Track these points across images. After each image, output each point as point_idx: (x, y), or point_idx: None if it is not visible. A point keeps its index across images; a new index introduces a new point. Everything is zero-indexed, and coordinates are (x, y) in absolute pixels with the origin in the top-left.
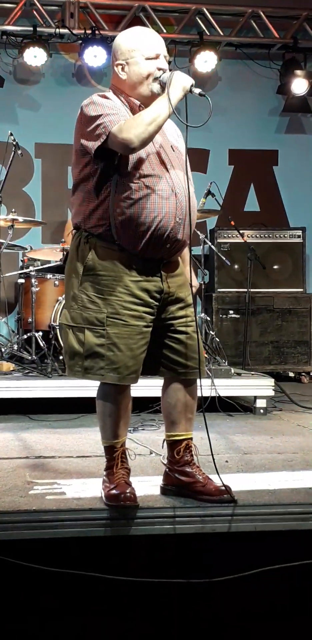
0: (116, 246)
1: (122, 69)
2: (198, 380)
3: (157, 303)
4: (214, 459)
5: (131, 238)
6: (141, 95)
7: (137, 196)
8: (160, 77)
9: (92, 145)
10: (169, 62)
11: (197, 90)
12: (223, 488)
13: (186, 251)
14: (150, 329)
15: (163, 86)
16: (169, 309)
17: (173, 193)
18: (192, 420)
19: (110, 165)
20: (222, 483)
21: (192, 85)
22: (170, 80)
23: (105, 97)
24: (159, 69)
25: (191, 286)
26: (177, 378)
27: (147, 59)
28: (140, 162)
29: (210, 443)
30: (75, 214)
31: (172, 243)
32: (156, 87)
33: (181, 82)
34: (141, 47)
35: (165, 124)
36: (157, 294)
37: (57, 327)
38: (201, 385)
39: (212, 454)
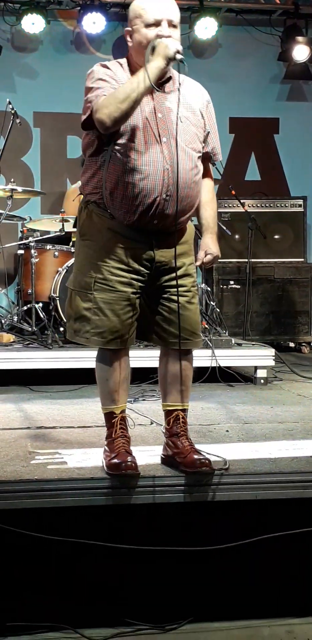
0: (108, 214)
1: (130, 36)
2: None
3: (147, 271)
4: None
5: (119, 209)
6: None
7: (125, 169)
8: (154, 44)
9: (82, 117)
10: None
11: (179, 57)
12: (203, 460)
13: (209, 220)
14: (138, 295)
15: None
16: (163, 277)
17: (163, 168)
18: (185, 392)
19: (102, 136)
20: (207, 455)
21: (176, 52)
22: (151, 49)
23: (106, 67)
24: (159, 37)
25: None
26: (169, 348)
27: (147, 25)
28: (133, 134)
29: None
30: (80, 180)
31: (160, 219)
32: (147, 57)
33: (161, 49)
34: (143, 13)
35: (182, 90)
36: (148, 262)
37: (57, 298)
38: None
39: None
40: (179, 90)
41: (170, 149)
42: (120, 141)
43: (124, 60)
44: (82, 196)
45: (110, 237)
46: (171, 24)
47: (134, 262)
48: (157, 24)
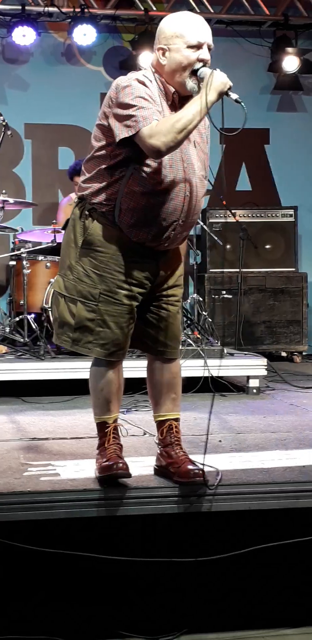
0: (117, 227)
1: (163, 53)
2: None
3: (150, 284)
4: (206, 442)
5: (131, 227)
6: (178, 84)
7: (147, 191)
8: (199, 70)
9: (119, 132)
10: None
11: (234, 96)
12: (197, 471)
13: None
14: (138, 304)
15: (200, 81)
16: (160, 287)
17: (184, 194)
18: (176, 400)
19: (132, 153)
20: (201, 466)
21: (229, 89)
22: (209, 82)
23: (143, 84)
24: (200, 60)
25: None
26: (157, 357)
27: (189, 47)
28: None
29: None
30: (84, 185)
31: (170, 242)
32: (190, 84)
33: (218, 85)
34: (185, 33)
35: None
36: (152, 277)
37: (49, 309)
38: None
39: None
40: (222, 122)
41: (189, 175)
42: (148, 161)
43: (150, 74)
44: (79, 201)
45: (117, 249)
46: (209, 48)
47: (140, 276)
48: (199, 46)
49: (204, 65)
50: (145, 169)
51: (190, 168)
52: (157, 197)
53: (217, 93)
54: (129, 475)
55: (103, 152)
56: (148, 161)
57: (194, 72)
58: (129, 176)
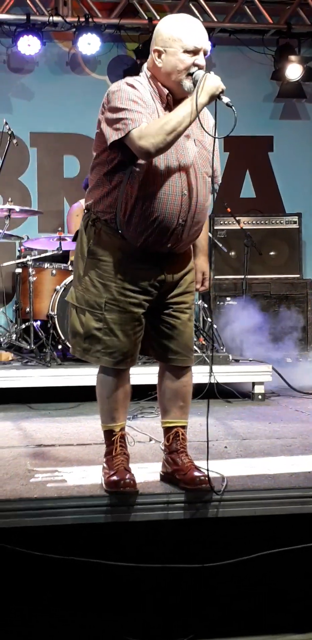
0: (119, 234)
1: (159, 55)
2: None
3: (156, 291)
4: (208, 447)
5: (132, 232)
6: (173, 86)
7: (144, 193)
8: (194, 74)
9: (109, 135)
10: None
11: (225, 100)
12: (203, 477)
13: (203, 242)
14: (145, 311)
15: (195, 83)
16: (168, 294)
17: (181, 194)
18: (184, 408)
19: (126, 156)
20: (206, 471)
21: (221, 92)
22: (201, 84)
23: (133, 87)
24: (195, 65)
25: (203, 277)
26: (168, 365)
27: (186, 51)
28: (155, 158)
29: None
30: (88, 195)
31: (173, 243)
32: (187, 84)
33: (210, 88)
34: (182, 37)
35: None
36: (158, 283)
37: (55, 316)
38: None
39: (207, 441)
40: (215, 127)
41: (188, 174)
42: (142, 163)
43: (143, 78)
44: (86, 212)
45: (121, 257)
46: (205, 53)
47: (145, 283)
48: (195, 51)
49: (198, 70)
50: (140, 171)
51: (187, 167)
52: (154, 199)
53: (209, 96)
54: (136, 492)
55: (100, 159)
56: (141, 163)
57: (190, 75)
58: (126, 181)
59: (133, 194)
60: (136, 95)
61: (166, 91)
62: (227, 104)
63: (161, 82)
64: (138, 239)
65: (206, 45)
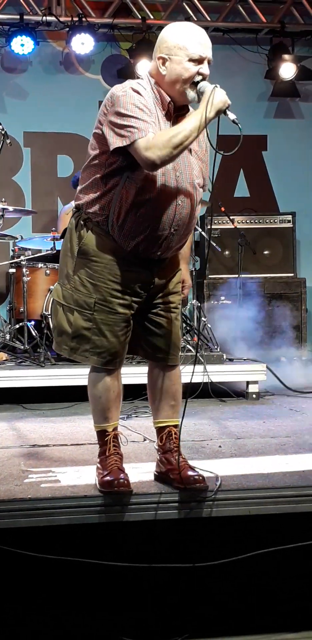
0: (111, 237)
1: (163, 63)
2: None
3: (145, 293)
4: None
5: (124, 237)
6: (175, 94)
7: (140, 199)
8: (198, 84)
9: (113, 141)
10: None
11: (231, 116)
12: (197, 477)
13: (186, 250)
14: (133, 312)
15: (199, 95)
16: (156, 295)
17: (175, 202)
18: (175, 407)
19: (126, 162)
20: (201, 471)
21: (227, 108)
22: (210, 99)
23: (139, 93)
24: (199, 74)
25: (183, 284)
26: (157, 364)
27: (191, 60)
28: None
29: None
30: (80, 195)
31: (163, 251)
32: (191, 94)
33: (218, 104)
34: (188, 46)
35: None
36: (148, 286)
37: (49, 316)
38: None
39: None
40: (216, 142)
41: (182, 184)
42: (140, 171)
43: (145, 82)
44: (76, 211)
45: (112, 258)
46: (209, 63)
47: (135, 285)
48: (200, 60)
49: (203, 79)
50: (138, 178)
51: (182, 177)
52: (148, 206)
53: (216, 111)
54: (131, 492)
55: (97, 160)
56: (140, 171)
57: (194, 84)
58: (122, 185)
59: (128, 199)
60: (142, 102)
61: (168, 99)
62: (233, 121)
63: (164, 90)
64: (129, 244)
65: (210, 54)
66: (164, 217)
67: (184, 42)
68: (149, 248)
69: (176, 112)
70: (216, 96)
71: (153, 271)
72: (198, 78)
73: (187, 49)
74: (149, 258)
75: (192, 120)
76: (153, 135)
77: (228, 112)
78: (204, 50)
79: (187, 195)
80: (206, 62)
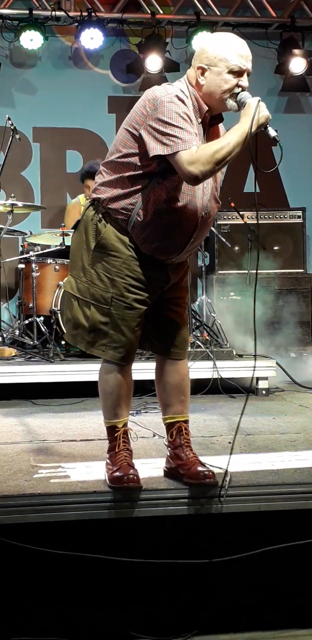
0: (129, 235)
1: (203, 73)
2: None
3: (161, 290)
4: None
5: (142, 240)
6: (213, 104)
7: (167, 207)
8: (238, 95)
9: (153, 147)
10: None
11: (272, 133)
12: (207, 472)
13: None
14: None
15: (240, 105)
16: (168, 290)
17: (199, 215)
18: (185, 402)
19: (161, 169)
20: (211, 467)
21: (268, 123)
22: (255, 114)
23: (183, 102)
24: (239, 86)
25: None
26: (166, 359)
27: (231, 72)
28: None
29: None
30: (101, 188)
31: (179, 258)
32: (230, 103)
33: (261, 118)
34: (229, 58)
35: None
36: (163, 283)
37: (58, 311)
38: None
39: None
40: (255, 158)
41: (207, 196)
42: (171, 179)
43: (186, 89)
44: (93, 203)
45: (130, 255)
46: (248, 75)
47: (151, 282)
48: (240, 73)
49: (242, 91)
50: (169, 185)
51: (208, 188)
52: (173, 216)
53: (258, 126)
54: (140, 487)
55: (128, 159)
56: (172, 178)
57: (233, 94)
58: (150, 189)
59: (156, 204)
60: (186, 112)
61: (205, 108)
62: (274, 138)
63: (201, 99)
64: (146, 247)
65: (250, 66)
66: (187, 227)
67: (225, 53)
68: (165, 254)
69: (210, 120)
70: (262, 112)
71: (168, 270)
72: (237, 90)
73: (227, 61)
74: (163, 261)
75: (236, 135)
76: (196, 148)
77: (269, 128)
78: (245, 62)
79: (210, 207)
80: (245, 75)
